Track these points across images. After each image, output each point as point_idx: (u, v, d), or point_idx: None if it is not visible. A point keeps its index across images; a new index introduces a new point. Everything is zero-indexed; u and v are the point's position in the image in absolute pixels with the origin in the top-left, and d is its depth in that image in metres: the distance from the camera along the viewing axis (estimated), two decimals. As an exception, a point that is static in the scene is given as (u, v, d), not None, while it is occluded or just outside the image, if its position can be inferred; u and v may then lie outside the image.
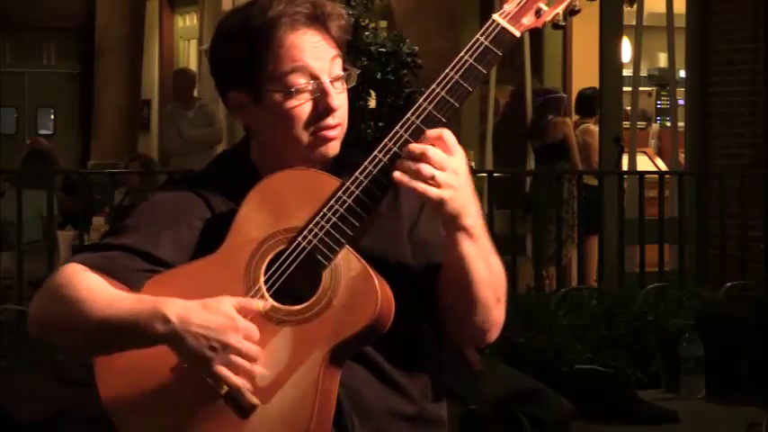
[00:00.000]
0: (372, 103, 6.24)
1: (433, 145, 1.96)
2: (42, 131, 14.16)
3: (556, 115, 8.98)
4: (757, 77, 7.89)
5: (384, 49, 6.20)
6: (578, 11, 2.07)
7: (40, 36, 14.58)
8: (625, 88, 8.52)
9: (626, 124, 8.73)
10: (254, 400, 1.97)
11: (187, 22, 13.85)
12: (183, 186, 2.16)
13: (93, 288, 2.00)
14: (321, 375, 1.97)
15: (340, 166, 2.10)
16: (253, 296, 2.00)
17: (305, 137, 2.08)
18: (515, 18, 2.03)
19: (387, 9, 9.99)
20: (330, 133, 2.09)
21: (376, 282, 1.99)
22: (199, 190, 2.13)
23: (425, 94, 2.00)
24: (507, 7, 2.04)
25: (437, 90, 2.00)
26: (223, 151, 2.33)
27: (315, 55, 2.07)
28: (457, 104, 2.01)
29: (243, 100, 2.11)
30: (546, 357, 5.19)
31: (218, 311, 1.94)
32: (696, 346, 5.14)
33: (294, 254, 2.00)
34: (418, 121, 1.99)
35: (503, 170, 9.10)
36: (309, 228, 2.00)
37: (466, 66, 2.01)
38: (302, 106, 2.07)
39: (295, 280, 2.00)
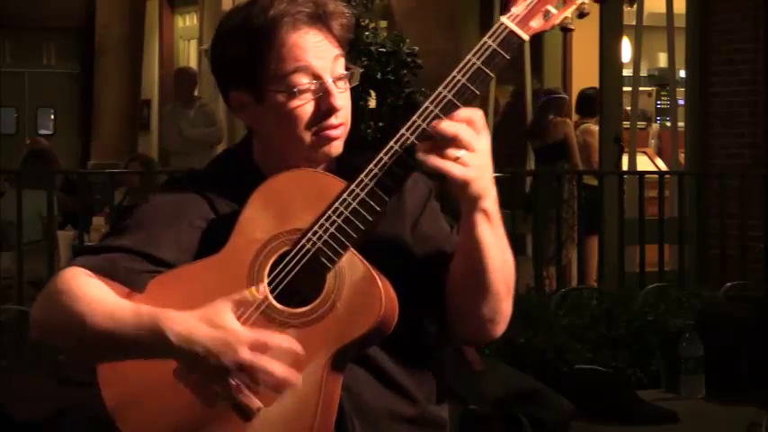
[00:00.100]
0: (372, 103, 6.24)
1: (461, 122, 1.94)
2: (42, 131, 14.16)
3: (557, 115, 8.98)
4: (757, 77, 7.89)
5: (384, 49, 6.20)
6: (587, 14, 2.04)
7: (40, 36, 14.58)
8: (625, 88, 8.52)
9: (626, 124, 8.74)
10: (257, 403, 1.96)
11: (187, 22, 13.86)
12: (184, 186, 2.15)
13: (92, 298, 1.98)
14: (324, 379, 1.97)
15: (343, 166, 2.10)
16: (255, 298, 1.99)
17: (308, 137, 2.07)
18: (524, 21, 2.00)
19: (387, 9, 10.00)
20: (333, 133, 2.08)
21: (380, 285, 1.98)
22: (201, 189, 2.12)
23: (432, 97, 1.98)
24: (515, 9, 2.01)
25: (444, 93, 1.97)
26: (224, 150, 2.32)
27: (317, 54, 2.05)
28: (463, 108, 1.99)
29: (245, 100, 2.10)
30: (546, 357, 5.19)
31: (219, 325, 1.91)
32: (696, 346, 5.14)
33: (298, 256, 1.99)
34: (424, 124, 1.97)
35: (503, 170, 9.10)
36: (314, 230, 1.99)
37: (473, 69, 1.98)
38: (305, 106, 2.05)
39: (299, 282, 1.99)
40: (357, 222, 1.98)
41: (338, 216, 1.98)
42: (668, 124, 10.23)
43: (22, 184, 6.43)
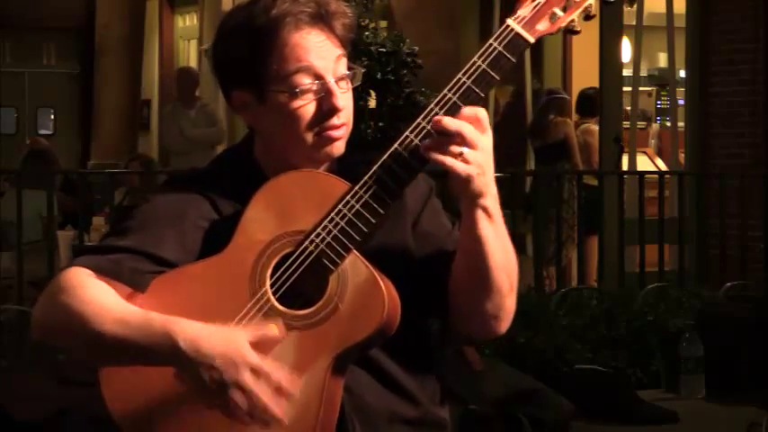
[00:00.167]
0: (372, 103, 6.24)
1: (466, 121, 1.94)
2: (42, 131, 14.15)
3: (557, 115, 8.98)
4: (757, 77, 7.89)
5: (384, 49, 6.21)
6: (593, 16, 2.03)
7: (40, 36, 14.58)
8: (625, 88, 8.51)
9: (626, 124, 8.73)
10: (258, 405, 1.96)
11: (187, 22, 13.85)
12: (186, 186, 2.14)
13: (100, 304, 1.97)
14: (326, 382, 1.97)
15: (345, 167, 2.10)
16: (259, 299, 1.98)
17: (310, 137, 2.06)
18: (530, 23, 1.99)
19: (387, 9, 10.00)
20: (335, 133, 2.07)
21: (383, 288, 1.97)
22: (202, 189, 2.11)
23: (437, 99, 1.97)
24: (522, 12, 1.99)
25: (449, 95, 1.97)
26: (226, 149, 2.30)
27: (319, 54, 2.05)
28: None
29: (247, 99, 2.09)
30: (546, 357, 5.19)
31: (230, 341, 1.91)
32: (696, 346, 5.14)
33: (301, 258, 1.98)
34: (429, 126, 1.96)
35: (503, 170, 9.10)
36: (317, 232, 1.98)
37: (479, 71, 1.97)
38: (307, 106, 2.05)
39: (302, 284, 1.99)
40: (360, 225, 1.97)
41: (341, 218, 1.98)
42: (668, 124, 10.23)
43: (22, 184, 6.43)
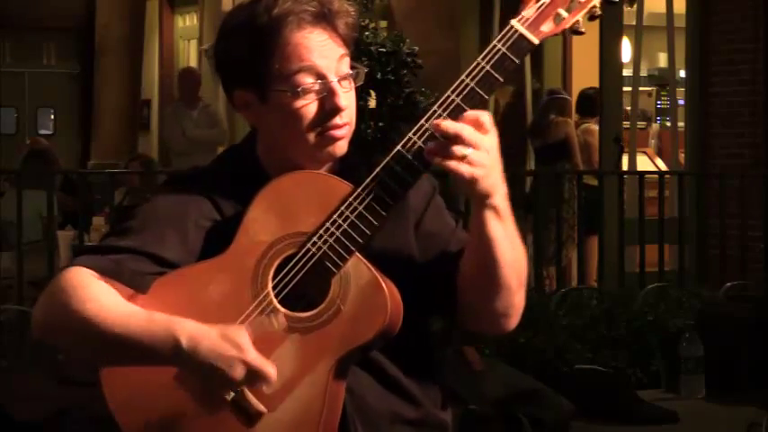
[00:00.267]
0: (372, 103, 6.24)
1: (469, 124, 1.93)
2: (42, 131, 14.14)
3: (558, 115, 8.98)
4: (757, 77, 7.89)
5: (384, 49, 6.20)
6: (599, 16, 2.01)
7: (40, 36, 14.57)
8: (625, 88, 8.51)
9: (626, 124, 8.73)
10: (261, 408, 1.96)
11: (187, 22, 13.85)
12: (187, 185, 2.13)
13: (102, 303, 1.97)
14: (329, 384, 1.96)
15: (347, 167, 2.09)
16: (261, 301, 1.98)
17: (312, 136, 2.05)
18: (534, 24, 1.97)
19: (387, 9, 9.99)
20: (337, 133, 2.06)
21: (385, 291, 1.97)
22: (204, 188, 2.11)
23: (440, 101, 1.96)
24: (526, 13, 1.97)
25: (452, 97, 1.96)
26: (228, 148, 2.29)
27: (322, 54, 2.04)
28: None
29: (249, 99, 2.09)
30: (546, 357, 5.19)
31: (231, 340, 1.92)
32: (696, 346, 5.14)
33: (303, 260, 1.98)
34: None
35: (503, 170, 9.09)
36: (319, 234, 1.98)
37: (482, 73, 1.96)
38: (309, 106, 2.04)
39: (304, 286, 1.98)
40: (363, 227, 1.97)
41: (344, 220, 1.97)
42: (668, 124, 10.23)
43: (22, 184, 6.43)
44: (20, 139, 13.54)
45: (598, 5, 2.01)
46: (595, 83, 8.32)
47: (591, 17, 2.01)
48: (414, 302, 2.03)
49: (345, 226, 1.97)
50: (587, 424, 4.67)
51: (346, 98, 2.07)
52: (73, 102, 14.68)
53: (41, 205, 6.72)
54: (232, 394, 1.96)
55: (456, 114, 1.95)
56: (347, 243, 1.97)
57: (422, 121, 1.97)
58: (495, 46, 1.97)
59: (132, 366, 2.00)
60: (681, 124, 8.73)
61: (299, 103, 2.04)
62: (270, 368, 1.93)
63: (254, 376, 1.93)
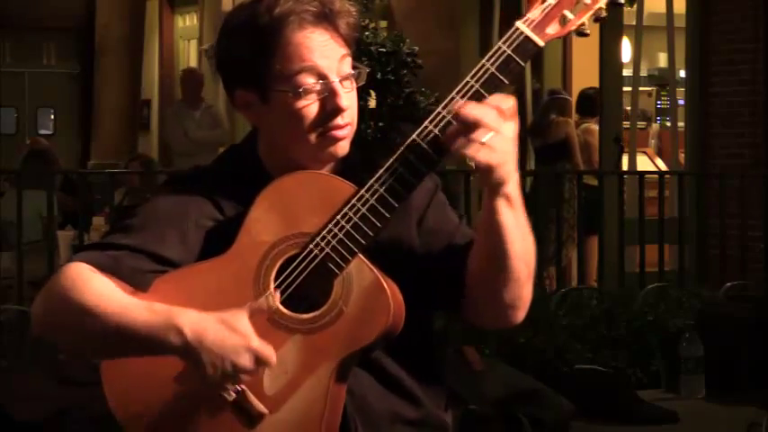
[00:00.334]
0: (372, 103, 6.24)
1: (492, 108, 1.92)
2: (42, 131, 14.15)
3: (559, 115, 8.98)
4: (757, 77, 7.89)
5: (384, 49, 6.21)
6: (604, 17, 1.99)
7: (40, 36, 14.57)
8: (625, 88, 8.51)
9: (626, 124, 8.73)
10: (262, 409, 1.96)
11: (187, 22, 13.85)
12: (188, 185, 2.13)
13: (101, 294, 1.97)
14: (330, 387, 1.96)
15: (348, 167, 2.09)
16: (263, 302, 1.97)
17: (313, 137, 2.04)
18: (540, 26, 1.95)
19: (387, 9, 9.99)
20: (339, 133, 2.05)
21: (388, 293, 1.96)
22: (205, 188, 2.10)
23: (444, 102, 1.95)
24: (531, 14, 1.95)
25: (457, 99, 1.94)
26: (229, 148, 2.27)
27: (323, 54, 2.03)
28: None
29: (250, 99, 2.08)
30: (546, 357, 5.19)
31: (234, 328, 1.92)
32: (696, 346, 5.14)
33: (306, 261, 1.97)
34: (436, 130, 1.95)
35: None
36: (322, 235, 1.97)
37: (487, 74, 1.94)
38: (310, 106, 2.03)
39: (307, 287, 1.98)
40: (366, 228, 1.96)
41: (347, 222, 1.96)
42: (668, 124, 10.23)
43: (22, 184, 6.42)
44: (20, 139, 13.54)
45: (604, 7, 1.98)
46: (595, 83, 8.32)
47: (596, 18, 1.99)
48: (416, 301, 2.03)
49: (349, 227, 1.96)
50: (587, 424, 4.67)
51: (348, 98, 2.06)
52: (73, 102, 14.68)
53: (41, 205, 6.72)
54: (233, 395, 1.95)
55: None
56: (350, 245, 1.96)
57: (425, 123, 1.95)
58: (500, 48, 1.95)
59: (133, 357, 1.99)
60: (681, 124, 8.73)
61: (301, 103, 2.03)
62: (272, 354, 1.93)
63: (259, 363, 1.92)
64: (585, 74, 9.74)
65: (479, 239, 2.04)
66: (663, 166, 9.39)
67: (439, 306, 2.15)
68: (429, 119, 1.96)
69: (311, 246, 1.97)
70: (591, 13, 1.98)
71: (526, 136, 9.69)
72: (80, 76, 14.58)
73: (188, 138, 9.53)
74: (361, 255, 1.97)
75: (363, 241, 1.96)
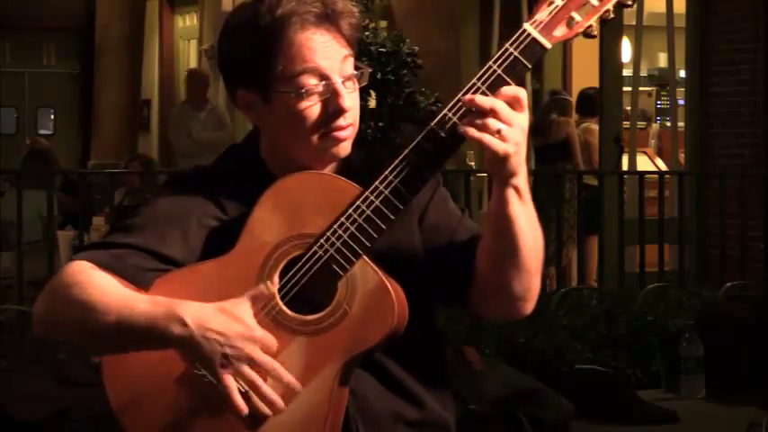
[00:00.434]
0: (372, 103, 6.24)
1: (506, 101, 1.91)
2: (42, 131, 14.15)
3: (560, 115, 8.98)
4: (757, 77, 7.89)
5: (384, 49, 6.21)
6: (611, 18, 1.97)
7: (40, 36, 14.57)
8: (625, 88, 8.51)
9: (626, 124, 8.73)
10: (266, 410, 1.95)
11: (187, 22, 13.85)
12: (190, 184, 2.12)
13: (103, 288, 1.97)
14: (334, 389, 1.96)
15: (350, 167, 2.08)
16: (266, 304, 1.96)
17: (315, 138, 2.04)
18: (547, 28, 1.94)
19: (387, 9, 9.99)
20: (341, 134, 2.05)
21: (392, 295, 1.96)
22: (207, 187, 2.10)
23: (450, 104, 1.94)
24: (539, 16, 1.94)
25: (465, 98, 1.93)
26: (230, 147, 2.27)
27: (325, 55, 2.02)
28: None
29: (252, 99, 2.07)
30: (546, 357, 5.19)
31: (237, 318, 1.91)
32: (696, 346, 5.14)
33: (310, 262, 1.97)
34: (442, 132, 1.94)
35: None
36: (326, 236, 1.96)
37: (494, 76, 1.94)
38: (313, 107, 2.03)
39: (310, 288, 1.97)
40: (370, 230, 1.95)
41: (351, 223, 1.96)
42: (668, 124, 10.23)
43: (22, 184, 6.43)
44: (20, 139, 13.54)
45: (612, 8, 1.97)
46: (595, 83, 8.32)
47: (603, 20, 1.97)
48: (419, 301, 2.03)
49: (353, 229, 1.96)
50: (587, 424, 4.67)
51: (350, 99, 2.05)
52: (73, 102, 14.68)
53: (41, 205, 6.72)
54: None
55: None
56: (354, 246, 1.95)
57: (432, 124, 1.94)
58: (506, 49, 1.94)
59: (135, 351, 1.98)
60: (681, 124, 8.73)
61: (303, 104, 2.03)
62: (274, 343, 1.92)
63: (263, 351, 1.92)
64: (585, 74, 9.74)
65: (489, 232, 2.03)
66: (663, 166, 9.39)
67: (445, 300, 2.14)
68: (445, 109, 1.94)
69: (315, 247, 1.97)
70: (599, 15, 1.96)
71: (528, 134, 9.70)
72: (80, 76, 14.58)
73: (191, 138, 9.52)
74: (365, 257, 1.96)
75: (368, 243, 1.96)
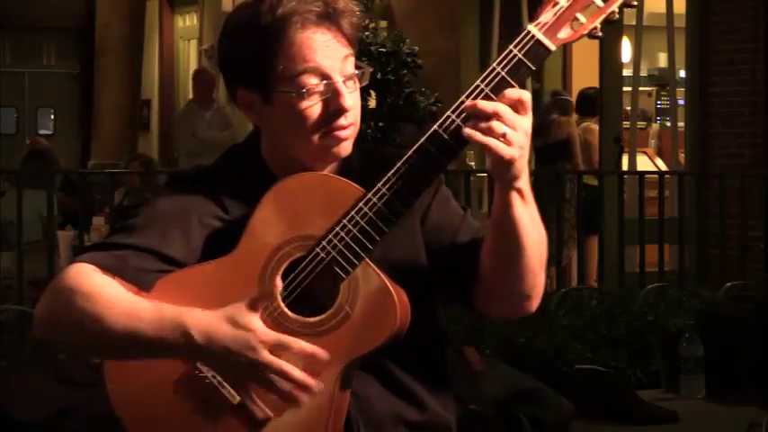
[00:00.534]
0: (372, 103, 6.24)
1: (510, 104, 1.91)
2: (42, 131, 14.15)
3: (560, 115, 8.98)
4: (757, 77, 7.89)
5: (384, 49, 6.21)
6: (616, 19, 1.95)
7: (40, 36, 14.58)
8: (625, 88, 8.51)
9: (626, 124, 8.73)
10: (267, 413, 1.95)
11: (187, 22, 13.85)
12: (191, 184, 2.12)
13: (108, 297, 1.96)
14: (336, 391, 1.95)
15: (350, 167, 2.08)
16: (268, 305, 1.95)
17: (317, 138, 2.03)
18: (551, 30, 1.93)
19: (387, 9, 9.98)
20: (342, 134, 2.04)
21: (395, 298, 1.95)
22: (209, 187, 2.09)
23: (454, 107, 1.93)
24: (543, 18, 1.92)
25: (467, 102, 1.92)
26: (232, 147, 2.25)
27: (326, 54, 2.02)
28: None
29: (253, 99, 2.06)
30: (546, 357, 5.19)
31: (243, 325, 1.91)
32: (696, 346, 5.14)
33: (312, 264, 1.96)
34: (446, 135, 1.93)
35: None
36: (328, 238, 1.95)
37: (497, 78, 1.92)
38: (314, 107, 2.02)
39: (312, 290, 1.96)
40: (372, 233, 1.95)
41: (354, 225, 1.95)
42: (668, 124, 10.23)
43: (22, 184, 6.42)
44: (20, 139, 13.54)
45: (617, 10, 1.95)
46: (595, 83, 8.32)
47: (608, 21, 1.95)
48: (421, 302, 2.02)
49: (355, 231, 1.95)
50: (587, 424, 4.67)
51: (351, 98, 2.05)
52: (73, 102, 14.69)
53: (41, 205, 6.72)
54: (238, 398, 1.95)
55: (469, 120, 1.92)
56: (356, 249, 1.94)
57: (435, 127, 1.93)
58: (510, 51, 1.93)
59: (140, 359, 1.98)
60: (681, 124, 8.73)
61: (304, 104, 2.02)
62: (283, 337, 1.91)
63: (279, 349, 1.91)
64: (585, 74, 9.75)
65: (493, 234, 2.02)
66: (663, 166, 9.39)
67: (449, 300, 2.14)
68: (448, 112, 1.93)
69: (317, 249, 1.96)
70: (604, 16, 1.94)
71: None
72: (80, 76, 14.58)
73: (196, 138, 9.51)
74: (367, 259, 1.96)
75: (370, 245, 1.95)
